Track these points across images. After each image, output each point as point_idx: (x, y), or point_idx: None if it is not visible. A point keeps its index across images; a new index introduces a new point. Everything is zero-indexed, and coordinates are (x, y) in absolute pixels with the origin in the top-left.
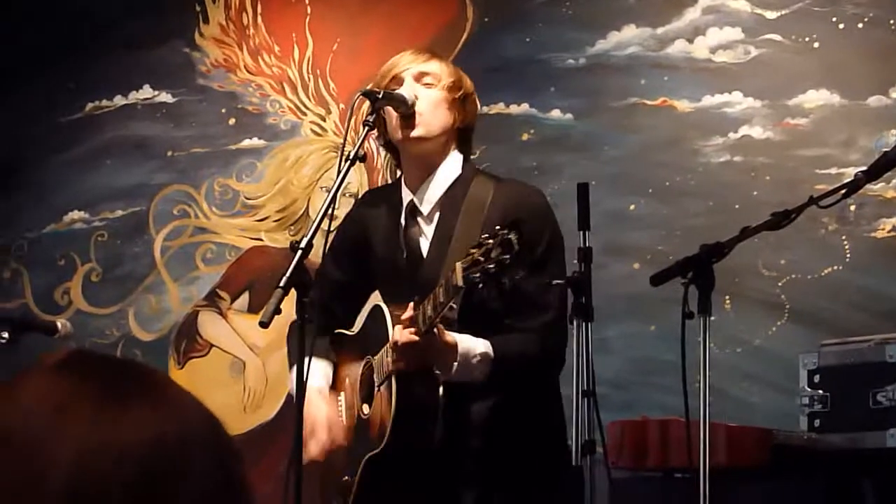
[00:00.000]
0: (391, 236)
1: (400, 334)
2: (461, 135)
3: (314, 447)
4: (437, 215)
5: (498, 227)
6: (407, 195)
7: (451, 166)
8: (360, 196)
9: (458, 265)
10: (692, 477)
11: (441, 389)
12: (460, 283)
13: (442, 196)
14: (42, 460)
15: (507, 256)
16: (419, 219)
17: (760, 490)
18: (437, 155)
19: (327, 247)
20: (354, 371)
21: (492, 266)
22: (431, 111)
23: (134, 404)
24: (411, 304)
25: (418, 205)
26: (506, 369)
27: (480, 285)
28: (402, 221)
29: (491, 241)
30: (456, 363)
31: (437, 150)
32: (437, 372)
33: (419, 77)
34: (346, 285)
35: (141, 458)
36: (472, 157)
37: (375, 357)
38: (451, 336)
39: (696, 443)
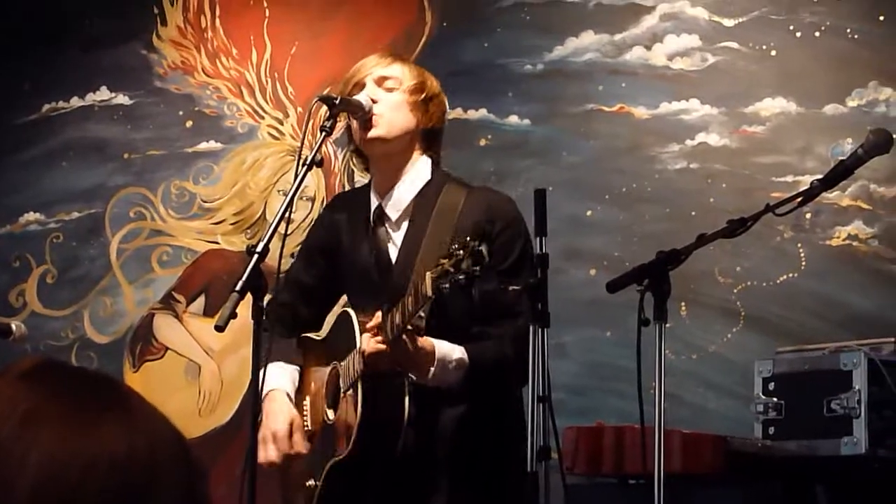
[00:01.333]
0: (360, 241)
1: (367, 343)
2: (427, 136)
3: (273, 451)
4: (405, 222)
5: (468, 238)
6: (375, 200)
7: (418, 171)
8: (330, 200)
9: (428, 275)
10: (647, 483)
11: (407, 398)
12: (430, 293)
13: (411, 202)
14: (9, 469)
15: (477, 268)
16: (387, 224)
17: (715, 496)
18: (400, 157)
19: (296, 250)
20: (320, 376)
21: (461, 277)
22: (391, 113)
23: (105, 419)
24: (378, 313)
25: (386, 210)
26: (481, 375)
27: (447, 293)
28: (371, 227)
29: (461, 251)
30: (433, 368)
31: (399, 152)
32: (412, 377)
33: (380, 81)
34: (313, 288)
35: (109, 472)
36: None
37: (342, 363)
38: (429, 341)
39: (651, 449)
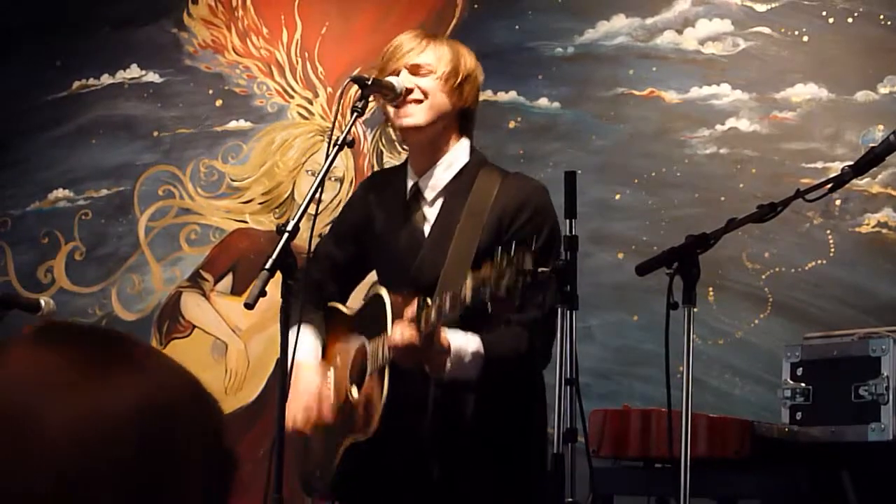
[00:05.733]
0: (393, 219)
1: (401, 335)
2: (462, 116)
3: (302, 418)
4: (440, 201)
5: (513, 251)
6: (412, 179)
7: (457, 153)
8: (366, 178)
9: (469, 282)
10: (673, 467)
11: (433, 382)
12: (468, 301)
13: (447, 184)
14: (31, 433)
15: (520, 283)
16: (423, 203)
17: (740, 481)
18: (438, 140)
19: (330, 225)
20: (346, 350)
21: (502, 293)
22: (426, 101)
23: (115, 371)
24: (415, 302)
25: (422, 189)
26: (496, 367)
27: (488, 305)
28: (406, 205)
29: (505, 264)
30: (449, 363)
31: (436, 136)
32: (427, 370)
33: (414, 69)
34: (344, 265)
35: (128, 423)
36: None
37: (371, 344)
38: (445, 334)
39: (677, 433)
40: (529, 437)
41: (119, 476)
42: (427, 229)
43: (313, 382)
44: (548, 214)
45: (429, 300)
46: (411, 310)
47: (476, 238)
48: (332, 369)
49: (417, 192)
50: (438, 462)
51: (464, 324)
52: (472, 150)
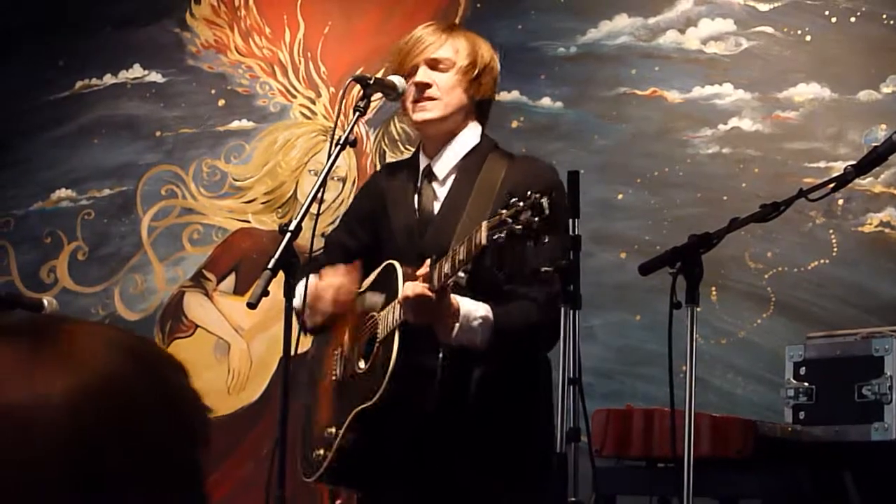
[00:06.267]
0: (404, 200)
1: (412, 287)
2: (479, 106)
3: (327, 297)
4: (451, 179)
5: (529, 191)
6: (424, 161)
7: (468, 135)
8: (379, 168)
9: (485, 224)
10: (676, 466)
11: (441, 353)
12: (484, 241)
13: (458, 163)
14: None
15: (537, 219)
16: (434, 183)
17: (743, 481)
18: (454, 128)
19: (342, 215)
20: (355, 327)
21: (519, 227)
22: (444, 96)
23: (44, 358)
24: (427, 262)
25: (434, 170)
26: (506, 336)
27: (502, 243)
28: (418, 184)
29: (521, 203)
30: (457, 325)
31: (453, 127)
32: (436, 333)
33: (433, 64)
34: (355, 252)
35: (62, 411)
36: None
37: (381, 313)
38: (454, 298)
39: (680, 433)
40: (533, 428)
41: (61, 461)
42: (437, 206)
43: (327, 279)
44: (559, 190)
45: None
46: (424, 267)
47: (486, 214)
48: (339, 348)
49: (430, 172)
50: (442, 436)
51: (473, 295)
52: (484, 134)
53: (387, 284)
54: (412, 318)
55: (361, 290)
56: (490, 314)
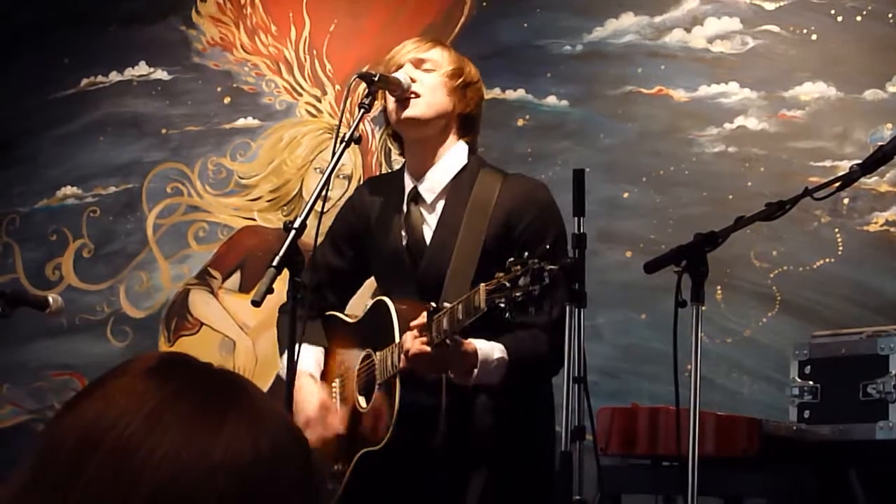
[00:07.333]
0: (391, 223)
1: (411, 343)
2: (463, 122)
3: (310, 436)
4: (440, 204)
5: (527, 255)
6: (410, 183)
7: (454, 155)
8: (360, 183)
9: (483, 287)
10: (681, 465)
11: (444, 391)
12: (483, 306)
13: (447, 185)
14: (132, 466)
15: (536, 288)
16: (421, 207)
17: (748, 479)
18: (435, 140)
19: (325, 232)
20: (351, 361)
21: (518, 295)
22: (428, 94)
23: (230, 418)
24: (424, 313)
25: (421, 193)
26: (519, 370)
27: (505, 311)
28: (405, 209)
29: (519, 267)
30: (476, 369)
31: (434, 135)
32: (452, 377)
33: (418, 63)
34: (341, 272)
35: (231, 475)
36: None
37: (378, 353)
38: (471, 343)
39: (685, 431)
40: (539, 439)
41: None
42: (428, 232)
43: (313, 396)
44: (553, 211)
45: (441, 304)
46: (420, 319)
47: (481, 237)
48: (336, 379)
49: (416, 196)
50: (448, 470)
51: (478, 326)
52: (471, 152)
53: (379, 323)
54: (419, 372)
55: (353, 320)
56: (505, 354)
